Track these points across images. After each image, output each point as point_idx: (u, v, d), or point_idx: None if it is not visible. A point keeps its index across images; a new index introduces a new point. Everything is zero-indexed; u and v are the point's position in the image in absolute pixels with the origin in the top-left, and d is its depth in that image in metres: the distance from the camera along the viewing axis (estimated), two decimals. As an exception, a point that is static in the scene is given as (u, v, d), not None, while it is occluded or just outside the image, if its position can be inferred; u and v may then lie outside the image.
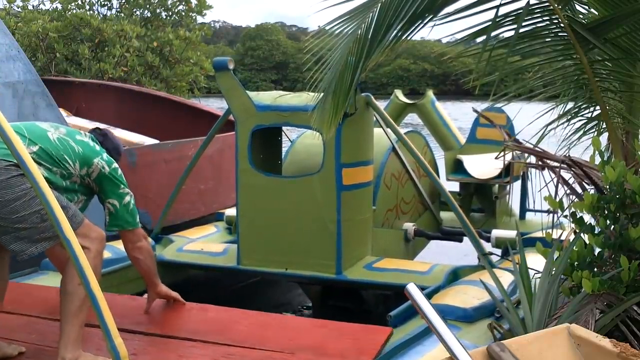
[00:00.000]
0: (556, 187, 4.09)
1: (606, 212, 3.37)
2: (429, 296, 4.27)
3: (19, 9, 14.06)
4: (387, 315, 3.99)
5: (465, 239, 5.86)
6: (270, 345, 3.44)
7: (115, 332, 2.48)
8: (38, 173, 2.52)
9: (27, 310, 3.95)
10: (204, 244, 5.66)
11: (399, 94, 7.98)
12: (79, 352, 3.11)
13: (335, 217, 4.91)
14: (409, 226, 5.87)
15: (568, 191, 4.11)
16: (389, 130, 5.50)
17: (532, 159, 4.52)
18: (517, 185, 6.74)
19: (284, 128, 5.70)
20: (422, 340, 3.61)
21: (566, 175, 4.15)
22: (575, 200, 3.95)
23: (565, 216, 3.72)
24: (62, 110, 6.13)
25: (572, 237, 3.70)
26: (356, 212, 5.07)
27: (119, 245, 5.30)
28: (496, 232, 5.48)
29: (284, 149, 5.83)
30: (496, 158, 5.45)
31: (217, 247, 5.60)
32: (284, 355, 3.32)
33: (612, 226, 3.38)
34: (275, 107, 5.06)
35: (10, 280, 4.55)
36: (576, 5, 4.11)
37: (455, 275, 4.74)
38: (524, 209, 6.75)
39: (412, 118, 8.54)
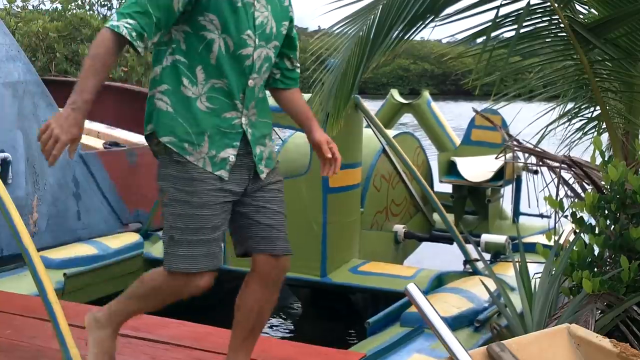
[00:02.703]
0: (557, 187, 4.09)
1: (606, 212, 3.37)
2: (409, 304, 4.20)
3: (19, 9, 14.04)
4: (366, 323, 4.00)
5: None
6: None
7: (71, 342, 2.46)
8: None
9: (5, 307, 3.97)
10: None
11: (395, 93, 7.95)
12: (101, 331, 2.86)
13: (321, 219, 4.89)
14: (399, 228, 5.83)
15: (568, 191, 4.12)
16: (384, 130, 5.50)
17: (532, 159, 4.52)
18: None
19: (275, 128, 5.70)
20: (398, 349, 3.61)
21: (566, 175, 4.15)
22: (575, 201, 3.95)
23: (565, 216, 3.72)
24: (62, 110, 6.13)
25: (572, 237, 3.71)
26: (343, 214, 5.04)
27: (105, 241, 5.38)
28: (485, 237, 5.43)
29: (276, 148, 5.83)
30: (496, 158, 5.44)
31: None
32: None
33: (612, 226, 3.38)
34: None
35: None
36: (576, 6, 4.11)
37: (439, 281, 4.74)
38: (517, 213, 6.74)
39: (405, 118, 8.53)
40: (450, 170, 6.92)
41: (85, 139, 6.80)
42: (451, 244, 6.21)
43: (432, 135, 7.67)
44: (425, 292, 4.45)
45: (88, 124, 7.68)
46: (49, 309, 2.39)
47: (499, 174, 6.39)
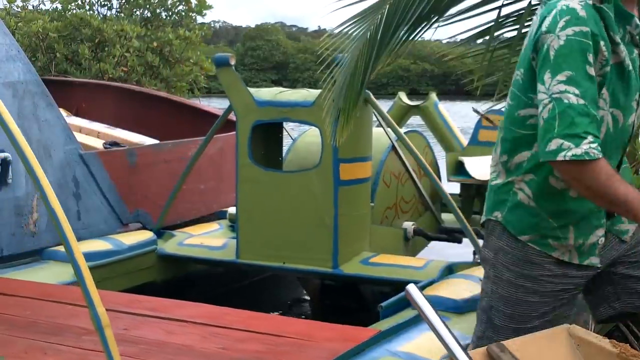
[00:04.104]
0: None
1: (606, 212, 3.37)
2: (421, 290, 4.29)
3: (19, 9, 14.04)
4: (379, 306, 4.05)
5: (465, 240, 5.90)
6: (258, 329, 3.54)
7: (98, 301, 2.49)
8: (41, 173, 2.48)
9: (22, 293, 4.07)
10: (204, 239, 5.75)
11: (402, 96, 8.03)
12: None
13: (333, 211, 4.97)
14: (409, 225, 5.90)
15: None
16: (389, 129, 5.56)
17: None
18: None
19: (286, 127, 5.77)
20: (411, 328, 3.66)
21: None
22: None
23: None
24: (62, 111, 6.13)
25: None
26: (353, 207, 5.13)
27: (119, 237, 5.47)
28: None
29: (285, 147, 5.89)
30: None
31: (218, 241, 5.68)
32: (270, 337, 3.41)
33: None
34: (276, 103, 5.13)
35: (9, 270, 4.71)
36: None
37: (450, 271, 4.80)
38: None
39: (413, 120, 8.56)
40: (458, 170, 6.97)
41: (85, 139, 6.81)
42: (460, 242, 6.24)
43: (440, 136, 7.74)
44: (436, 281, 4.55)
45: (88, 124, 7.70)
46: (77, 270, 2.41)
47: None
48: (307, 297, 6.36)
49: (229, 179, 7.01)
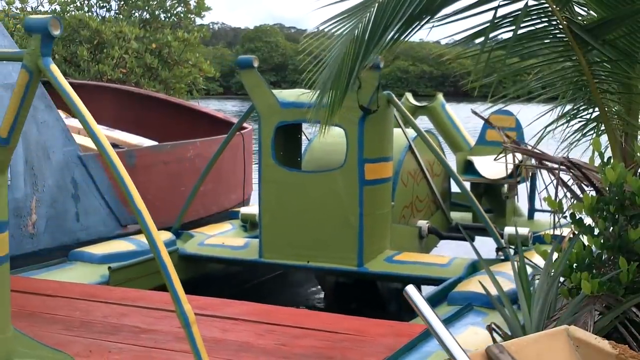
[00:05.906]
0: (556, 188, 4.09)
1: (605, 213, 3.37)
2: (450, 287, 4.44)
3: (18, 11, 14.04)
4: None
5: (478, 238, 5.97)
6: (311, 326, 3.60)
7: (184, 298, 2.51)
8: (118, 159, 2.51)
9: (64, 294, 4.16)
10: (225, 238, 5.83)
11: (409, 97, 8.15)
12: None
13: (358, 210, 5.06)
14: (423, 223, 6.01)
15: (567, 193, 4.11)
16: (406, 129, 5.68)
17: (532, 161, 4.53)
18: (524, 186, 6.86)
19: (303, 128, 5.90)
20: (452, 324, 3.74)
21: (565, 177, 4.15)
22: (574, 202, 3.95)
23: (565, 217, 3.72)
24: (61, 112, 6.13)
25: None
26: (377, 206, 5.23)
27: (142, 238, 5.45)
28: (508, 230, 5.63)
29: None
30: (495, 159, 5.51)
31: (239, 241, 5.76)
32: (325, 334, 3.48)
33: (611, 228, 3.38)
34: (300, 104, 5.21)
35: (39, 271, 4.76)
36: (575, 7, 4.11)
37: (474, 268, 4.88)
38: (532, 209, 6.83)
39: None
40: (467, 169, 7.06)
41: (84, 141, 6.80)
42: (472, 241, 6.28)
43: (448, 136, 7.84)
44: (463, 278, 4.62)
45: (87, 126, 7.69)
46: (164, 268, 2.48)
47: (515, 171, 6.51)
48: (322, 294, 6.43)
49: (227, 181, 7.02)
